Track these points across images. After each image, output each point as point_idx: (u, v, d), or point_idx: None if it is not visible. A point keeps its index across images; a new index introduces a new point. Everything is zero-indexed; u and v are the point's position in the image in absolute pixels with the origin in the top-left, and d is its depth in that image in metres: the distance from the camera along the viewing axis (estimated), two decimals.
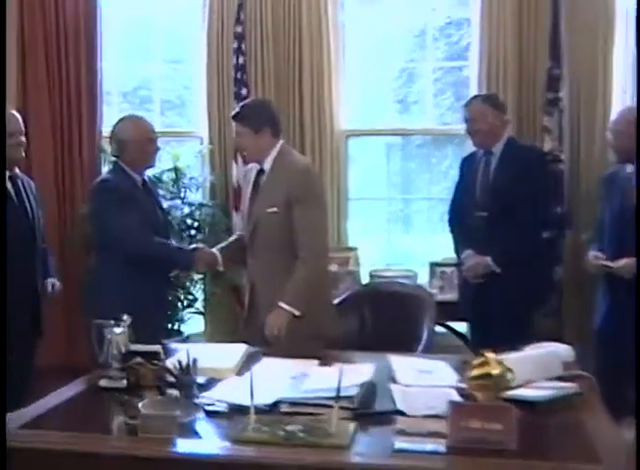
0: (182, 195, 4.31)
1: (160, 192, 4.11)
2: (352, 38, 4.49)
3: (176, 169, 4.31)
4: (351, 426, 1.68)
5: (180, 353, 2.08)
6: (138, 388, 1.96)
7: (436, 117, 4.62)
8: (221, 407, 1.83)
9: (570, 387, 1.88)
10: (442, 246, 3.82)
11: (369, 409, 1.80)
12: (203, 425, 1.74)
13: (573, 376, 1.96)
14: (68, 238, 4.22)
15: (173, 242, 2.91)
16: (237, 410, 1.79)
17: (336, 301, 3.06)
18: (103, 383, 2.07)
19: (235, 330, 4.19)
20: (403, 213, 4.90)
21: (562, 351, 2.07)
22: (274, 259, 2.61)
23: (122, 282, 2.70)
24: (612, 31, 4.06)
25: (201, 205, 4.33)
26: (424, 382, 2.00)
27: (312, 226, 2.57)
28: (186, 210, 4.28)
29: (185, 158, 4.41)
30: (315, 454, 1.55)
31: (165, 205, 3.86)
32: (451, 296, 3.80)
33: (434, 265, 4.17)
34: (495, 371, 1.71)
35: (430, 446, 1.56)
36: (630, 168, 3.03)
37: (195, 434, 1.69)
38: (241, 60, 4.26)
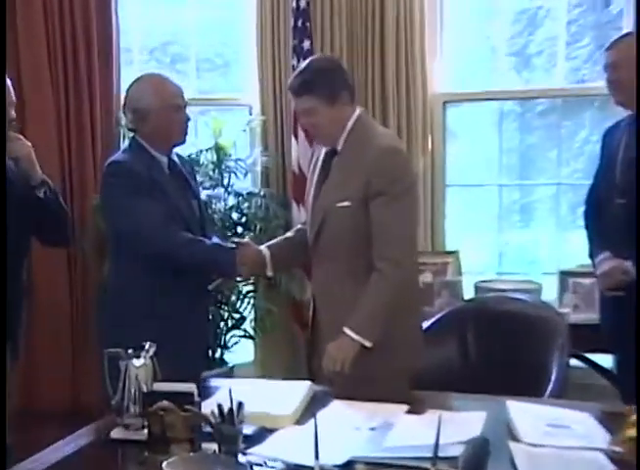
0: (226, 182, 4.37)
1: (198, 178, 4.21)
2: None
3: (218, 148, 4.36)
4: None
5: (221, 394, 2.09)
6: (163, 440, 1.92)
7: (568, 72, 4.60)
8: (275, 468, 1.83)
9: None
10: (576, 248, 3.81)
11: None
12: None
13: None
14: (76, 240, 4.22)
15: (211, 239, 2.90)
16: None
17: (427, 323, 3.05)
18: (117, 433, 2.06)
19: (295, 361, 4.41)
20: (521, 205, 4.95)
21: None
22: (342, 269, 2.61)
23: (144, 297, 2.73)
24: None
25: (250, 195, 4.41)
26: (557, 441, 1.94)
27: (396, 228, 2.54)
28: (231, 201, 4.36)
29: (229, 133, 4.43)
30: None
31: (204, 194, 3.95)
32: (590, 317, 3.74)
33: (564, 275, 4.15)
34: None
35: None
36: None
37: None
38: (302, 2, 4.31)
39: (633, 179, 3.03)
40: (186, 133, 2.84)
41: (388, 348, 2.51)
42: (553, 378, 2.77)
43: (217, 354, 4.34)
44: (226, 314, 4.33)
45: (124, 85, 4.13)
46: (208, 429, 1.87)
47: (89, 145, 4.39)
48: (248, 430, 1.93)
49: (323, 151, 2.72)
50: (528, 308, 3.14)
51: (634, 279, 3.02)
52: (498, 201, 4.76)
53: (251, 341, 4.53)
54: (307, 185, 2.79)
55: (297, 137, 4.29)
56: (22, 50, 4.24)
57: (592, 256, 3.27)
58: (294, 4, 4.32)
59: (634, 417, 1.75)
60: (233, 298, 4.31)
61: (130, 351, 2.10)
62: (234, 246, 2.81)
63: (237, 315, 4.37)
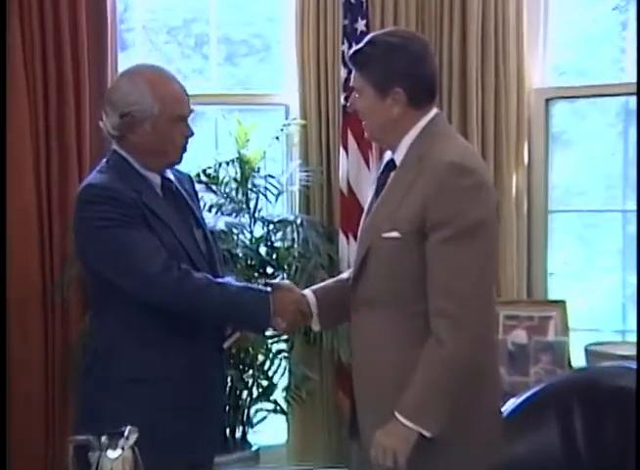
0: (252, 205, 4.39)
1: (211, 199, 4.36)
2: None
3: (242, 161, 4.38)
4: None
5: None
6: None
7: None
8: None
9: None
10: None
11: None
12: None
13: None
14: (54, 286, 4.30)
15: (230, 279, 2.91)
16: None
17: (520, 398, 3.07)
18: None
19: (340, 443, 4.45)
20: None
21: None
22: (385, 324, 2.58)
23: (137, 360, 2.74)
24: None
25: (283, 223, 4.40)
26: None
27: (460, 276, 2.48)
28: (258, 231, 4.37)
29: (258, 141, 4.43)
30: None
31: (222, 222, 4.06)
32: None
33: None
34: None
35: None
36: None
37: None
38: None
39: None
40: (184, 151, 2.85)
41: (456, 436, 2.48)
42: None
43: (238, 434, 4.30)
44: (251, 381, 4.31)
45: None
46: None
47: (74, 163, 4.34)
48: None
49: (384, 162, 2.73)
50: None
51: None
52: (621, 232, 4.72)
53: (282, 416, 4.50)
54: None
55: (346, 148, 4.30)
56: None
57: None
58: None
59: None
60: (260, 358, 4.29)
61: (104, 438, 2.07)
62: (267, 289, 2.80)
63: (265, 382, 4.36)
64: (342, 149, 4.33)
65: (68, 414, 4.20)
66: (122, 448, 2.08)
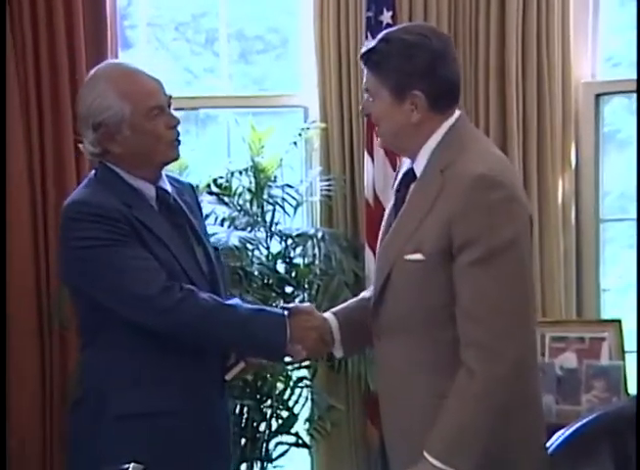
0: (268, 218, 4.34)
1: (223, 212, 4.27)
2: None
3: (257, 170, 4.31)
4: None
5: None
6: None
7: None
8: None
9: None
10: None
11: None
12: None
13: None
14: (52, 312, 4.25)
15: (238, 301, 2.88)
16: None
17: (571, 429, 2.91)
18: None
19: None
20: None
21: None
22: (413, 349, 2.56)
23: (125, 394, 2.70)
24: None
25: (303, 237, 4.33)
26: None
27: (492, 300, 2.45)
28: (275, 246, 4.31)
29: (275, 147, 4.38)
30: None
31: (235, 237, 4.00)
32: None
33: None
34: None
35: None
36: None
37: None
38: None
39: None
40: (178, 144, 2.80)
41: None
42: None
43: (256, 469, 4.26)
44: (269, 411, 4.24)
45: None
46: None
47: (71, 174, 4.28)
48: None
49: (401, 171, 2.72)
50: None
51: None
52: None
53: (304, 450, 4.41)
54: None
55: (372, 153, 4.26)
56: None
57: None
58: None
59: None
60: (279, 386, 4.21)
61: None
62: (283, 313, 2.78)
63: (285, 413, 4.29)
64: (366, 155, 4.31)
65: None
66: None
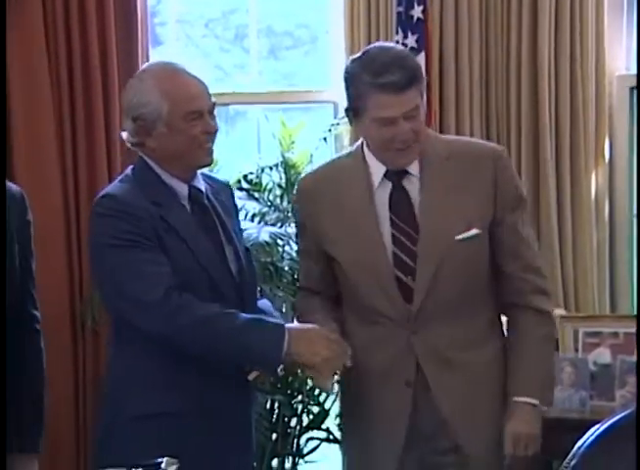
0: None
1: (253, 208, 4.32)
2: None
3: (287, 165, 4.34)
4: None
5: None
6: None
7: None
8: None
9: None
10: None
11: None
12: None
13: None
14: (85, 308, 4.28)
15: (254, 305, 2.89)
16: None
17: (604, 425, 2.73)
18: None
19: None
20: None
21: None
22: (476, 324, 2.79)
23: (151, 393, 2.71)
24: None
25: None
26: None
27: (535, 247, 2.86)
28: None
29: (305, 142, 4.40)
30: None
31: (266, 233, 4.02)
32: None
33: None
34: None
35: None
36: None
37: None
38: None
39: None
40: (212, 151, 2.81)
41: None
42: None
43: (288, 465, 4.29)
44: (300, 407, 4.27)
45: None
46: None
47: (102, 172, 4.32)
48: None
49: (377, 175, 2.76)
50: None
51: None
52: None
53: (336, 445, 4.38)
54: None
55: None
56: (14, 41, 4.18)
57: None
58: None
59: None
60: (310, 382, 4.08)
61: None
62: (284, 324, 2.74)
63: (316, 408, 4.32)
64: None
65: None
66: None
